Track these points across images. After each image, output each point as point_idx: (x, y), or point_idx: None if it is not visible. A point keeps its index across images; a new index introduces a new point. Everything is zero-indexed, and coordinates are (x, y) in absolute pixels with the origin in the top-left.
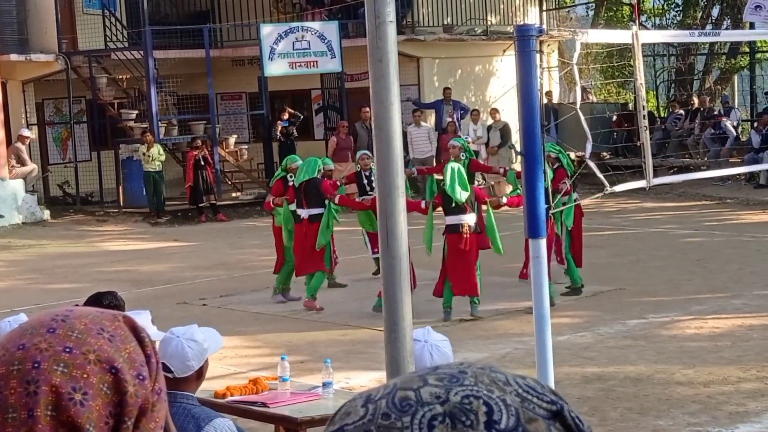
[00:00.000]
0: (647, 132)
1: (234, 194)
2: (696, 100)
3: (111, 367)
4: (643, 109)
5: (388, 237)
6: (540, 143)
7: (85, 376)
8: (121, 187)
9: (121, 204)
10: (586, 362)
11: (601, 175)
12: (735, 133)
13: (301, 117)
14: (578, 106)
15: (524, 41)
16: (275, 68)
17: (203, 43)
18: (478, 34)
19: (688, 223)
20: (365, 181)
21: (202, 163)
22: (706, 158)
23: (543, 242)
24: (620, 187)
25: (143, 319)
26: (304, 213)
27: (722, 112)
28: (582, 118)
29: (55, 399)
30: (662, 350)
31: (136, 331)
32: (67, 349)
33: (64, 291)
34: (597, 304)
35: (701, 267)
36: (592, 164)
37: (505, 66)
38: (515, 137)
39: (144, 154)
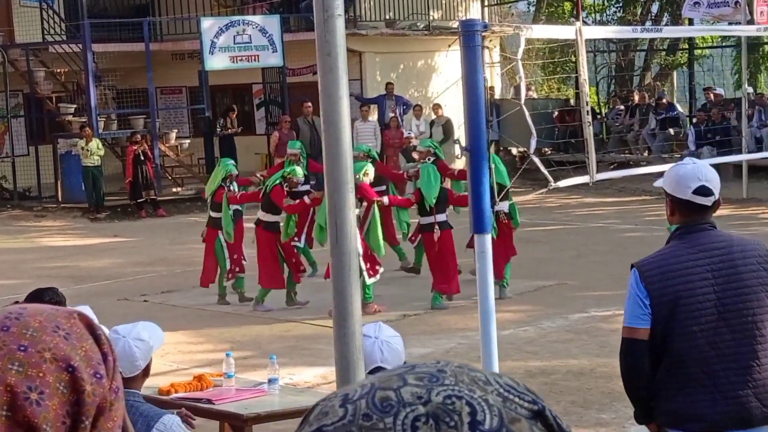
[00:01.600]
0: (590, 128)
1: (174, 189)
2: (636, 96)
3: (67, 365)
4: (587, 105)
5: (337, 233)
6: (485, 139)
7: (41, 375)
8: (59, 182)
9: (60, 199)
10: (529, 356)
11: (545, 171)
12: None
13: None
14: (523, 101)
15: (469, 36)
16: (216, 62)
17: (143, 36)
18: (421, 29)
19: (629, 218)
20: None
21: (142, 158)
22: (646, 153)
23: (488, 238)
24: (564, 183)
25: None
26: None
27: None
28: (527, 113)
29: (10, 399)
30: (604, 344)
31: (92, 328)
32: (22, 348)
33: (2, 287)
34: (539, 299)
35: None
36: (536, 160)
37: (447, 61)
38: (458, 133)
39: (83, 148)
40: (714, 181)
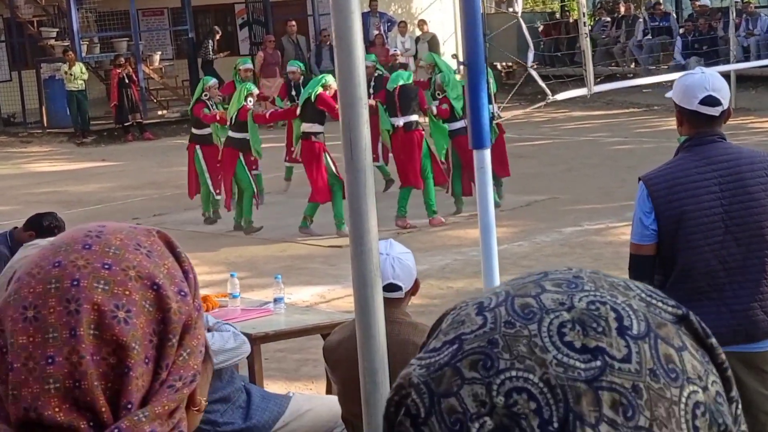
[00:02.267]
0: (588, 39)
1: (160, 112)
2: (622, 8)
3: (152, 283)
4: (584, 16)
5: (352, 149)
6: (483, 53)
7: (127, 293)
8: (44, 108)
9: (45, 124)
10: (525, 271)
11: (543, 84)
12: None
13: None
14: (519, 14)
15: None
16: None
17: None
18: None
19: (618, 131)
20: (294, 93)
21: (127, 81)
22: (633, 65)
23: (487, 152)
24: (562, 96)
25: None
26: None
27: (646, 18)
28: (524, 26)
29: (97, 317)
30: (599, 257)
31: (171, 246)
32: (106, 266)
33: None
34: (532, 214)
35: (632, 174)
36: (534, 73)
37: None
38: (443, 48)
39: (66, 73)
40: (722, 91)
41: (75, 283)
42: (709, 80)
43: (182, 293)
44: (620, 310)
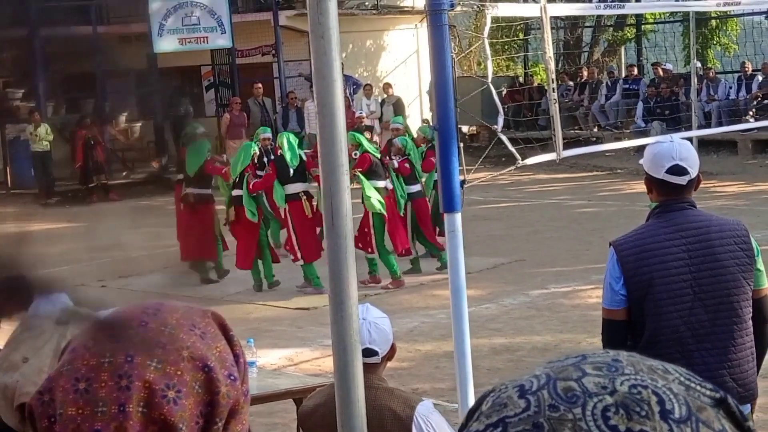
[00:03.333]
0: (557, 105)
1: (125, 173)
2: (585, 72)
3: (204, 365)
4: (552, 82)
5: (333, 216)
6: (454, 118)
7: (178, 373)
8: (8, 168)
9: (9, 185)
10: (493, 334)
11: (513, 149)
12: (645, 93)
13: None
14: (490, 79)
15: (436, 15)
16: (165, 45)
17: (90, 19)
18: (369, 8)
19: (582, 194)
20: (265, 159)
21: (92, 142)
22: (596, 129)
23: (458, 216)
24: (532, 160)
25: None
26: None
27: (609, 84)
28: (494, 91)
29: (147, 395)
30: (566, 320)
31: (225, 329)
32: (161, 345)
33: None
34: (499, 276)
35: (598, 236)
36: (504, 138)
37: (396, 40)
38: (408, 111)
39: (31, 134)
40: (689, 160)
41: (129, 359)
42: (677, 149)
43: (232, 377)
44: (661, 394)
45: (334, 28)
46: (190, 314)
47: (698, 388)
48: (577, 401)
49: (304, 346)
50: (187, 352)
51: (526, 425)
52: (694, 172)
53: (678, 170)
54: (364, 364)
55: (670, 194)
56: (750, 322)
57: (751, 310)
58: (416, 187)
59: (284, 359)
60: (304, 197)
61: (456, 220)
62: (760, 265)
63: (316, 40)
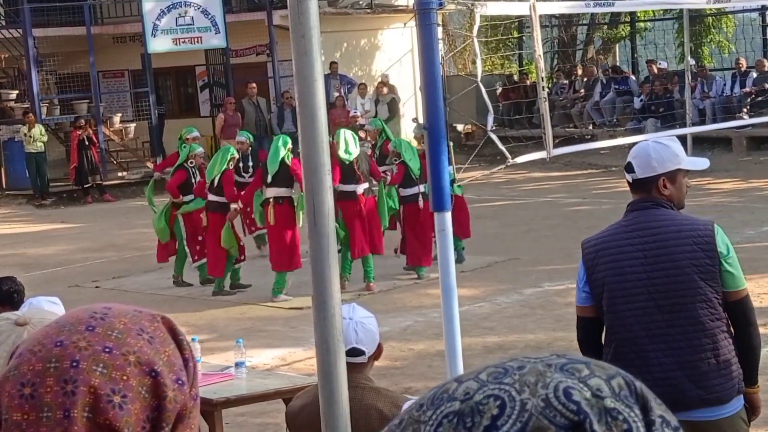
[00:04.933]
0: (546, 103)
1: (120, 174)
2: (579, 70)
3: (151, 370)
4: (543, 81)
5: (315, 215)
6: (443, 117)
7: (124, 378)
8: (2, 170)
9: (4, 186)
10: (486, 332)
11: (503, 147)
12: (639, 91)
13: None
14: (479, 78)
15: (425, 14)
16: (159, 45)
17: (84, 20)
18: (363, 7)
19: (576, 192)
20: (241, 164)
21: (87, 143)
22: (591, 127)
23: (448, 215)
24: (522, 159)
25: (57, 306)
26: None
27: (604, 81)
28: (483, 90)
29: (93, 400)
30: (560, 318)
31: (174, 333)
32: (107, 349)
33: None
34: (493, 275)
35: (591, 234)
36: (494, 137)
37: (389, 39)
38: (404, 109)
39: (26, 135)
40: (639, 158)
41: (74, 364)
42: (637, 148)
43: (179, 382)
44: (507, 407)
45: (315, 27)
46: (139, 318)
47: (559, 407)
48: (437, 404)
49: (297, 346)
50: (134, 356)
51: (402, 418)
52: (641, 172)
53: (628, 168)
54: (351, 364)
55: (634, 192)
56: (713, 323)
57: (717, 312)
58: (412, 191)
59: (277, 359)
60: (272, 202)
61: (446, 219)
62: (732, 267)
63: (297, 40)
